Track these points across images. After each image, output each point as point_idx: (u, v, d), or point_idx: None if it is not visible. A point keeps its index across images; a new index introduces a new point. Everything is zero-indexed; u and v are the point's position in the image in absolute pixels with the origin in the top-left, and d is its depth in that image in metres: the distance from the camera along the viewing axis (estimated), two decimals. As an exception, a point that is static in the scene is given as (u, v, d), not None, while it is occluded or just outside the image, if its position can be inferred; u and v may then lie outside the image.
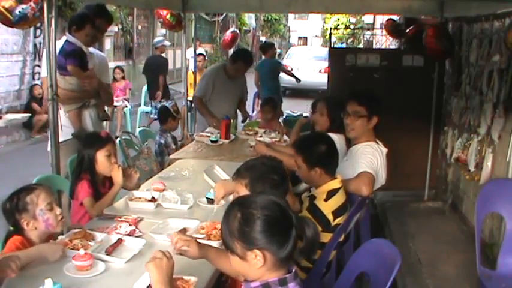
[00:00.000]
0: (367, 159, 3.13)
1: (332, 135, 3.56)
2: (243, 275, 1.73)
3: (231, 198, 2.39)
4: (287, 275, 1.67)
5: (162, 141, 4.73)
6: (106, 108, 4.43)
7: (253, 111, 8.97)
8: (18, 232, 2.29)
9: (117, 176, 2.97)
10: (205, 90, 5.42)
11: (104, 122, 4.48)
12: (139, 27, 14.53)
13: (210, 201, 2.94)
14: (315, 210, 2.64)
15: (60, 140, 3.54)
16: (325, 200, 2.68)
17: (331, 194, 2.70)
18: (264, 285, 1.66)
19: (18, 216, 2.28)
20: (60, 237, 2.33)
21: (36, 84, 9.27)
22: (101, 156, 2.97)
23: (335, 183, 2.75)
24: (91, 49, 4.03)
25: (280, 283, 1.65)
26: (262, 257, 1.61)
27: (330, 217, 2.65)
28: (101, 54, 4.31)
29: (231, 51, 10.04)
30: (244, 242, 1.63)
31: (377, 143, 3.29)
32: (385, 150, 3.29)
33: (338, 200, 2.72)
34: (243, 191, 2.24)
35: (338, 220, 2.68)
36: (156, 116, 7.33)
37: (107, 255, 2.21)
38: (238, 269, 1.70)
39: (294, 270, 1.69)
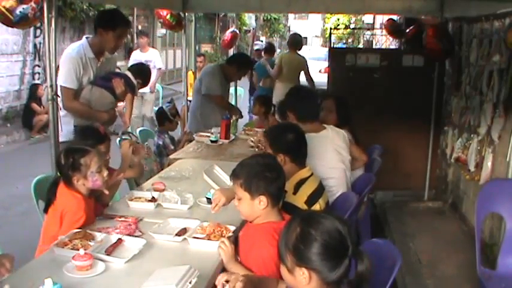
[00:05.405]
0: None
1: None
2: (292, 286, 1.74)
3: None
4: None
5: (160, 143, 4.72)
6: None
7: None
8: (66, 183, 2.56)
9: (126, 154, 3.12)
10: (219, 88, 5.33)
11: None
12: (139, 27, 14.51)
13: (210, 201, 2.94)
14: (286, 206, 2.48)
15: (61, 140, 3.52)
16: (294, 194, 2.66)
17: (299, 184, 2.71)
18: None
19: (70, 173, 2.55)
20: (60, 237, 2.33)
21: (37, 84, 9.27)
22: None
23: (303, 172, 2.77)
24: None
25: None
26: (308, 277, 1.62)
27: (305, 208, 2.62)
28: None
29: (231, 51, 10.03)
30: (295, 257, 1.64)
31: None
32: None
33: (308, 187, 2.72)
34: (240, 191, 2.24)
35: (314, 208, 2.66)
36: None
37: (107, 255, 2.20)
38: (287, 279, 1.72)
39: None
